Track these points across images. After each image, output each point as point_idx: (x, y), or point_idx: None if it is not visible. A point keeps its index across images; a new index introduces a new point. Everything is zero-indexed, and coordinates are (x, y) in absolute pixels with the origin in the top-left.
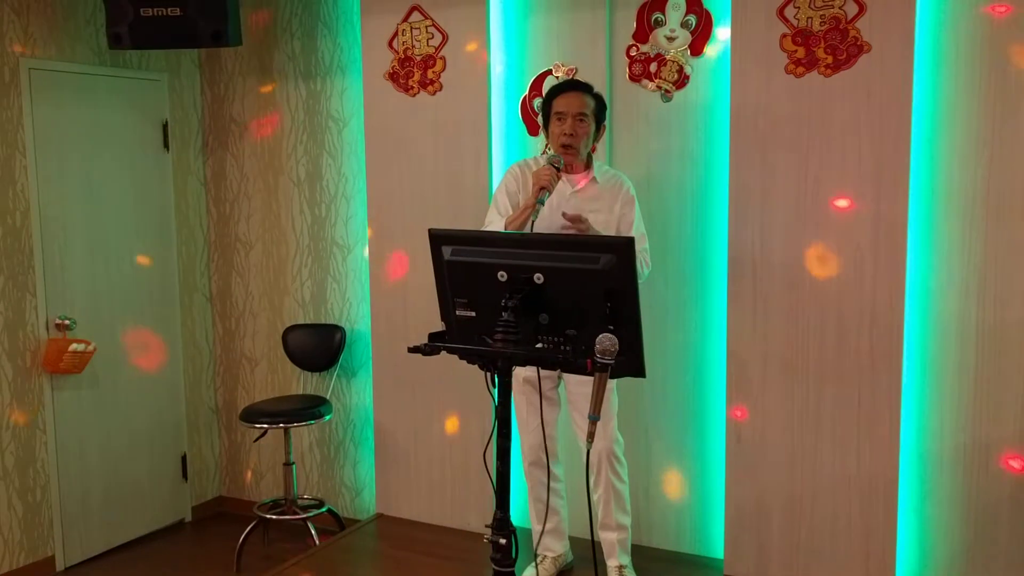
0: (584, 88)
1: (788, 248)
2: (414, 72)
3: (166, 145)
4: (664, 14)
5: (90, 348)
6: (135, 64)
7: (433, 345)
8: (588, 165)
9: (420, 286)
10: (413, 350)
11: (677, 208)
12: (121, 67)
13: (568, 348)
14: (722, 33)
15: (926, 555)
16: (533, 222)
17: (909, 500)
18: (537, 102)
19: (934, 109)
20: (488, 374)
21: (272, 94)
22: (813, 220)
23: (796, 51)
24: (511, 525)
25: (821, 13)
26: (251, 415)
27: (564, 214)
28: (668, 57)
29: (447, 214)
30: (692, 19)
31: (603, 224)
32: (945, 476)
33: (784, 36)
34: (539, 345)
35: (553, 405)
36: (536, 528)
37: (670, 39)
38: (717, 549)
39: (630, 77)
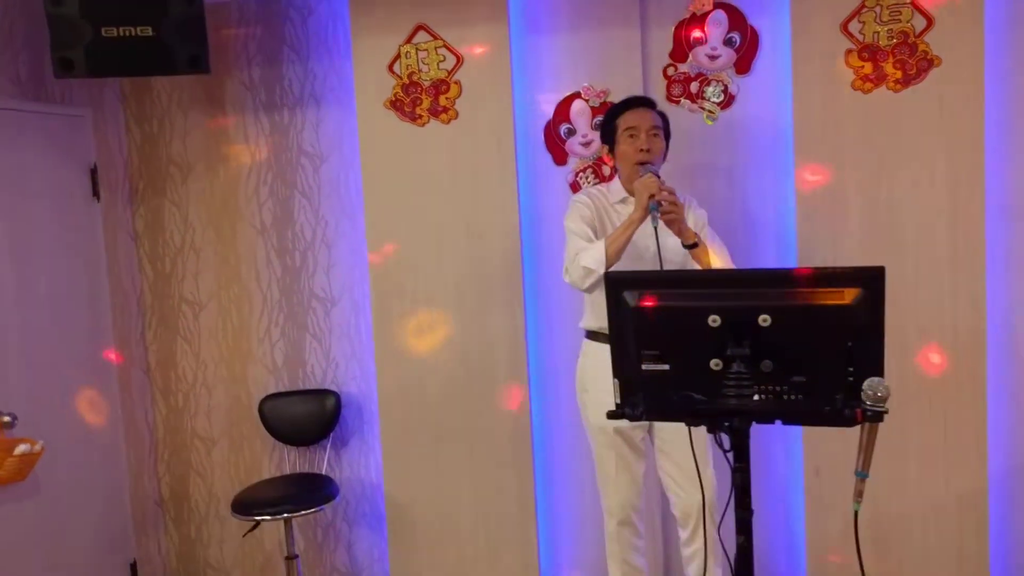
0: (650, 104)
1: (860, 262)
2: (422, 99)
3: (96, 193)
4: (704, 32)
5: (37, 448)
6: (57, 97)
7: (653, 407)
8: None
9: (438, 342)
10: (616, 415)
11: (725, 229)
12: (43, 101)
13: (798, 397)
14: (768, 49)
15: (1019, 572)
16: (656, 231)
17: (1000, 519)
18: (563, 128)
19: (1006, 120)
20: (716, 435)
21: (225, 129)
22: (888, 237)
23: (863, 67)
24: None
25: (888, 27)
26: (248, 506)
27: (654, 195)
28: (711, 77)
29: (471, 257)
30: (736, 36)
31: (672, 247)
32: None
33: (850, 52)
34: (757, 397)
35: (642, 457)
36: None
37: (712, 58)
38: None
39: (668, 99)
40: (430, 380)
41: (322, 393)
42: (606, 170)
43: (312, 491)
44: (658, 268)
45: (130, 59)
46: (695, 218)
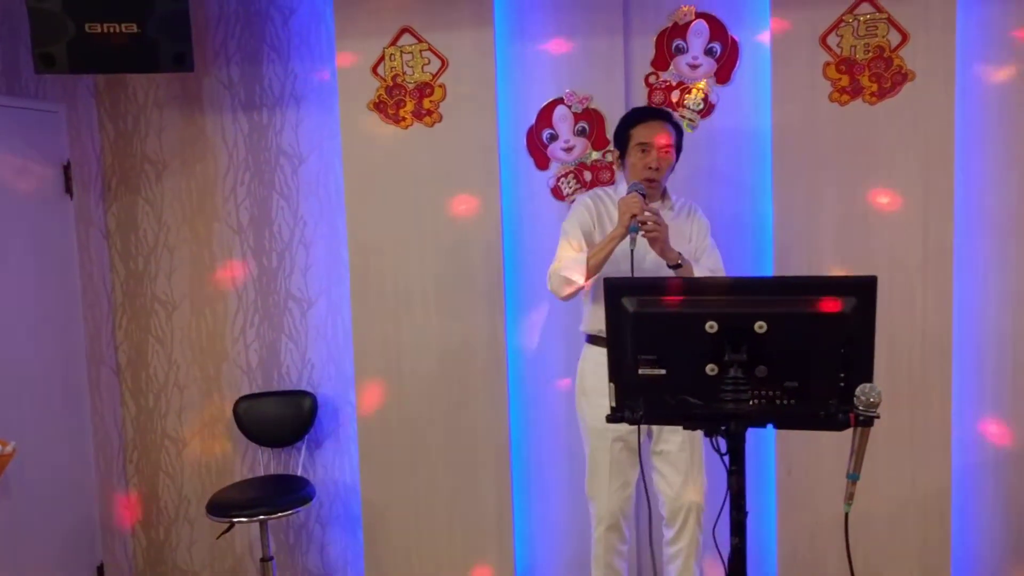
0: (666, 116)
1: (837, 270)
2: (406, 101)
3: (68, 191)
4: (686, 41)
5: (8, 449)
6: (31, 92)
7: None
8: (664, 195)
9: (418, 344)
10: (615, 419)
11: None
12: (16, 95)
13: (791, 402)
14: (748, 60)
15: (979, 566)
16: (633, 253)
17: (962, 514)
18: (546, 133)
19: (975, 134)
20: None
21: (202, 128)
22: (861, 245)
23: (840, 79)
24: None
25: (865, 42)
26: (223, 507)
27: (635, 214)
28: (692, 86)
29: (452, 259)
30: (717, 46)
31: (658, 261)
32: (991, 486)
33: (827, 64)
34: (752, 402)
35: (637, 464)
36: None
37: (693, 67)
38: None
39: (650, 106)
40: (409, 382)
41: (298, 394)
42: (587, 175)
43: (288, 492)
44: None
45: (113, 56)
46: (699, 227)
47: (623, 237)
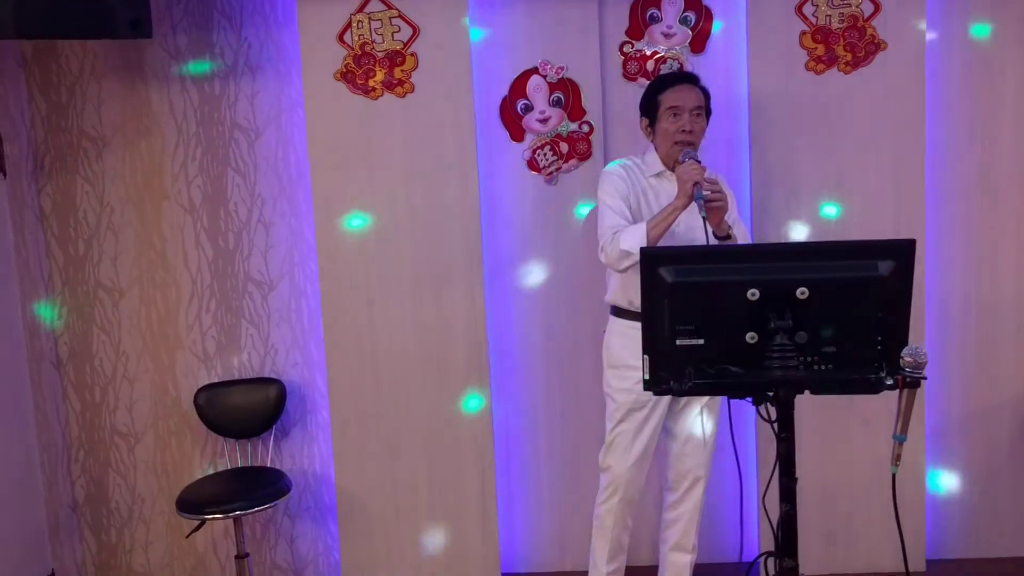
0: (695, 80)
1: (813, 237)
2: (375, 71)
3: (2, 170)
4: (660, 10)
5: None
6: None
7: (702, 381)
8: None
9: (393, 326)
10: (659, 390)
11: None
12: None
13: (828, 367)
14: (722, 29)
15: (948, 523)
16: (704, 219)
17: (936, 475)
18: (520, 104)
19: (944, 103)
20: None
21: (146, 100)
22: (837, 207)
23: (816, 48)
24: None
25: (840, 11)
26: (195, 504)
27: (698, 182)
28: (667, 55)
29: (426, 236)
30: (691, 15)
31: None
32: (957, 446)
33: (803, 34)
34: (799, 368)
35: (656, 437)
36: (602, 569)
37: (667, 36)
38: (755, 553)
39: (625, 76)
40: (384, 366)
41: (265, 382)
42: (564, 147)
43: (264, 486)
44: None
45: (65, 20)
46: (730, 196)
47: (686, 207)
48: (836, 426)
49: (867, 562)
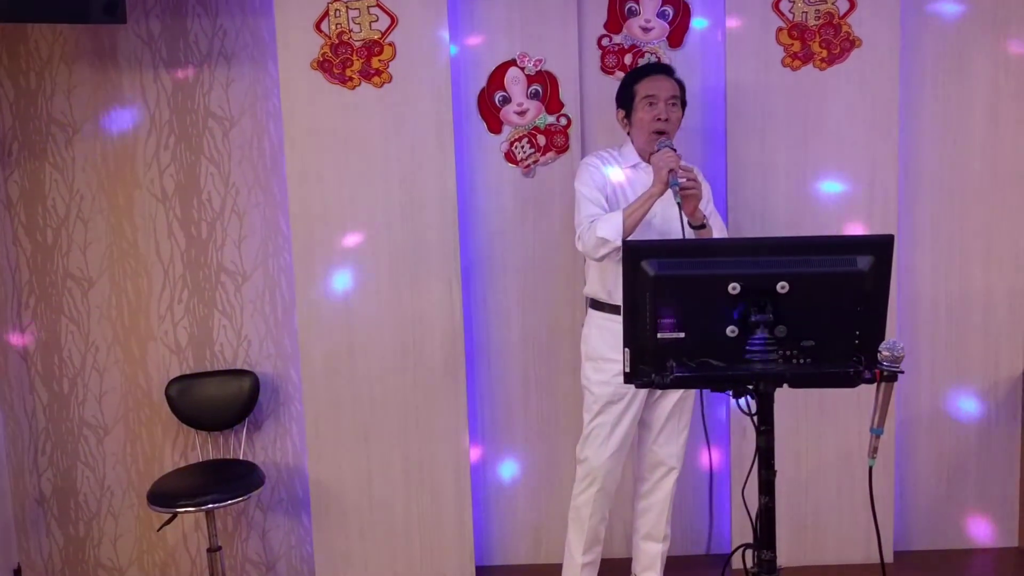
0: (670, 71)
1: (787, 231)
2: (353, 60)
3: None
4: (638, 4)
5: None
6: None
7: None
8: None
9: (369, 317)
10: (641, 383)
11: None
12: None
13: (806, 361)
14: (700, 24)
15: (915, 515)
16: (679, 205)
17: (904, 466)
18: (498, 96)
19: (917, 100)
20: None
21: (118, 86)
22: (811, 205)
23: (792, 45)
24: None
25: (816, 8)
26: (167, 497)
27: (674, 169)
28: (645, 49)
29: (402, 229)
30: (669, 10)
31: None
32: (924, 438)
33: (780, 30)
34: (779, 361)
35: (636, 428)
36: (578, 561)
37: (645, 30)
38: (725, 545)
39: (603, 69)
40: (359, 357)
41: (238, 373)
42: (542, 140)
43: (237, 478)
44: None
45: (37, 3)
46: (706, 188)
47: (662, 194)
48: (803, 419)
49: (836, 554)
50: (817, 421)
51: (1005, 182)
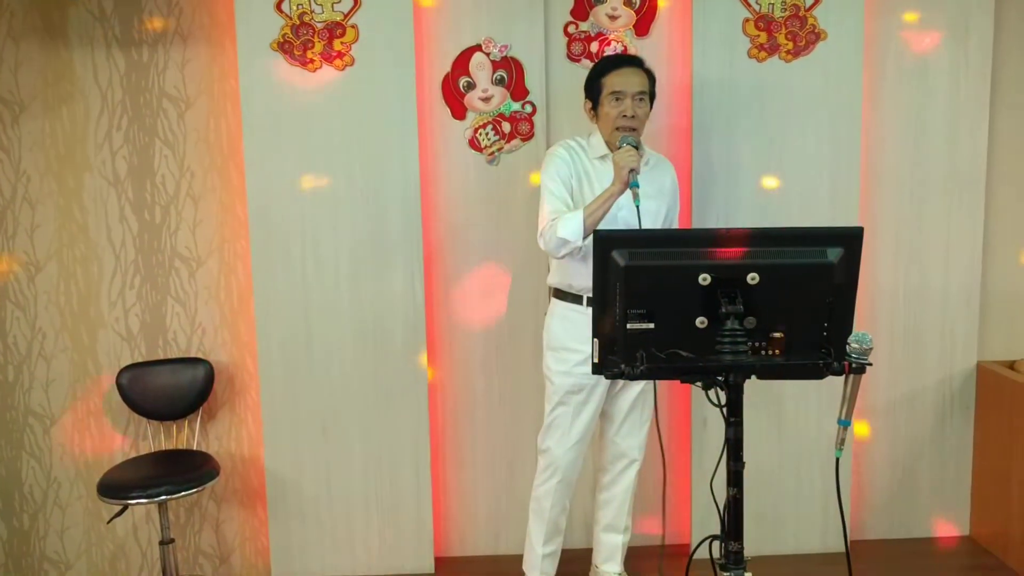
0: (639, 63)
1: (751, 222)
2: (314, 42)
3: None
4: None
5: None
6: None
7: (652, 365)
8: (638, 147)
9: (328, 306)
10: (610, 373)
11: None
12: None
13: (775, 352)
14: (667, 14)
15: (871, 504)
16: (638, 207)
17: (861, 460)
18: (463, 81)
19: (880, 93)
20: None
21: (68, 64)
22: (776, 198)
23: (759, 36)
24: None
25: (782, 0)
26: (118, 488)
27: (634, 169)
28: (611, 37)
29: (364, 215)
30: None
31: (654, 212)
32: (881, 429)
33: (747, 21)
34: (749, 353)
35: (598, 419)
36: (538, 551)
37: (612, 18)
38: (685, 536)
39: (569, 57)
40: (318, 346)
41: (192, 362)
42: (507, 127)
43: (190, 469)
44: None
45: None
46: (672, 180)
47: (621, 193)
48: (764, 410)
49: (795, 544)
50: (775, 410)
51: (964, 178)
